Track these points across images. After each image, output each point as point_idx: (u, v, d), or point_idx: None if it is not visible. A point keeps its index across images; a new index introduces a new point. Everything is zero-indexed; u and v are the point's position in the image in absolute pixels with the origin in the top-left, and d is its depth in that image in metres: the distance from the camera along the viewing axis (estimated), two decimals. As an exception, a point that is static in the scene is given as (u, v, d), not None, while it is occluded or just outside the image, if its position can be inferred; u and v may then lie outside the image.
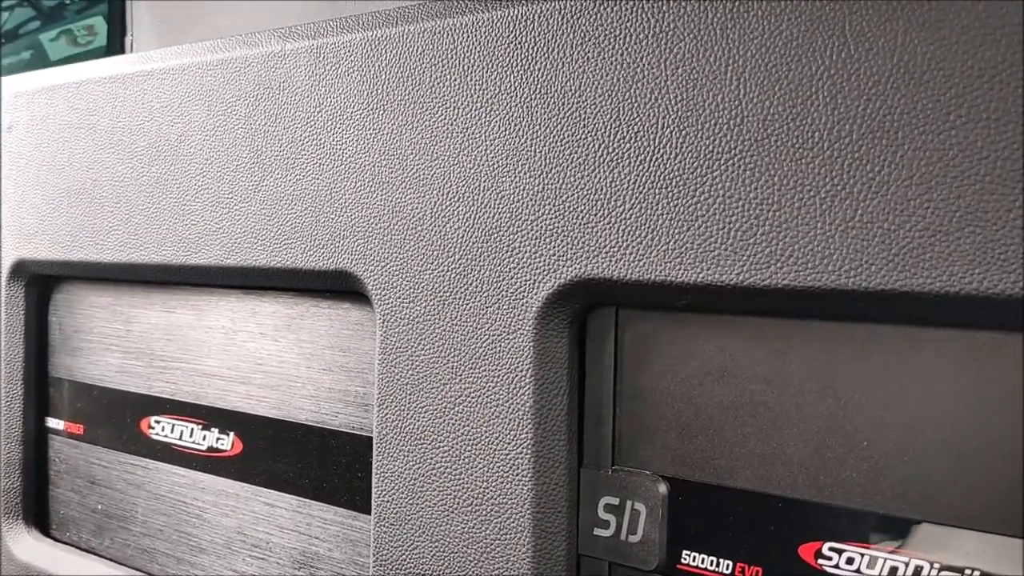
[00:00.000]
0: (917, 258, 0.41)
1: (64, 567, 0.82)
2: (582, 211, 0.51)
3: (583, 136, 0.51)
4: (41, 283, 0.85)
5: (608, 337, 0.53)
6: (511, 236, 0.53)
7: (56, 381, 0.86)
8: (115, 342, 0.80)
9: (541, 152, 0.52)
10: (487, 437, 0.54)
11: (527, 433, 0.52)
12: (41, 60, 1.73)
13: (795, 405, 0.47)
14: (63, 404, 0.85)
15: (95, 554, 0.82)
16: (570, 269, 0.51)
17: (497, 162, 0.54)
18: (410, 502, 0.57)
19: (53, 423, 0.86)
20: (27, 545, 0.85)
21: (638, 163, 0.49)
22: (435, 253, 0.56)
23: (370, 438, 0.62)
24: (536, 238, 0.52)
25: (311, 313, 0.66)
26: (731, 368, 0.49)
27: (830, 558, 0.45)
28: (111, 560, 0.81)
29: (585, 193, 0.51)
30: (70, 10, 1.69)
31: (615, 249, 0.49)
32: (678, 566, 0.50)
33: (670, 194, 0.48)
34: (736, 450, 0.48)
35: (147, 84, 0.73)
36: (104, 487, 0.82)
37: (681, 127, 0.47)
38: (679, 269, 0.47)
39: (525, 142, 0.53)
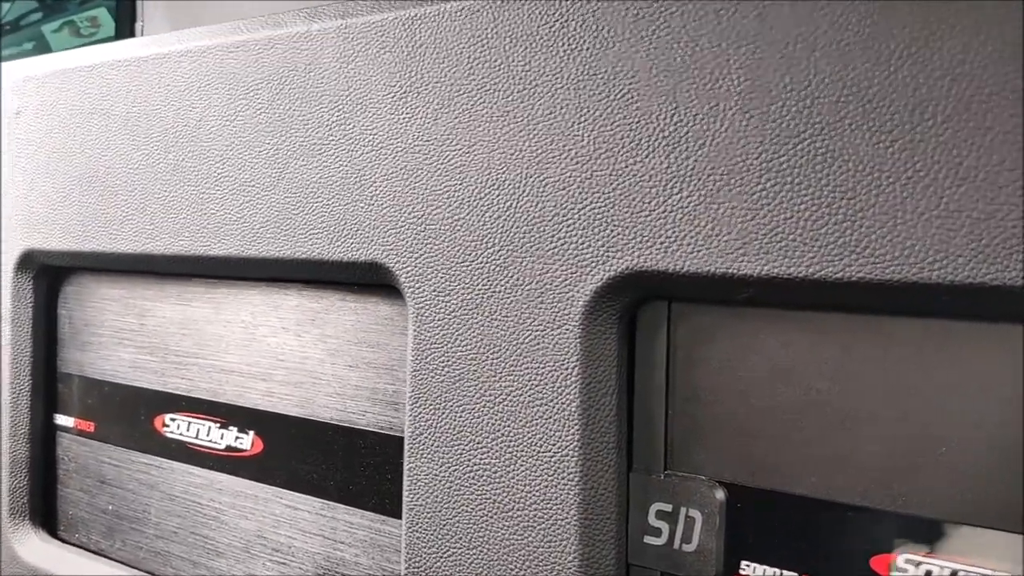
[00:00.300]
0: (1010, 249, 0.38)
1: (72, 570, 0.79)
2: (634, 198, 0.48)
3: (636, 118, 0.48)
4: (50, 275, 0.82)
5: (660, 333, 0.50)
6: (557, 225, 0.50)
7: (66, 377, 0.83)
8: (128, 336, 0.77)
9: (590, 135, 0.49)
10: (530, 438, 0.51)
11: (574, 434, 0.49)
12: (43, 52, 1.70)
13: (865, 406, 0.44)
14: (73, 400, 0.82)
15: (105, 557, 0.79)
16: (621, 260, 0.48)
17: (542, 146, 0.51)
18: (445, 506, 0.54)
19: (62, 420, 0.83)
20: (34, 547, 0.82)
21: (697, 147, 0.46)
22: (474, 243, 0.53)
23: (400, 438, 0.59)
24: (584, 227, 0.49)
25: (337, 307, 0.63)
26: (795, 366, 0.46)
27: (905, 571, 0.42)
28: (122, 563, 0.78)
29: (638, 179, 0.48)
30: (73, 1, 1.66)
31: (670, 239, 0.46)
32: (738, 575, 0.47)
33: (733, 180, 0.45)
34: (801, 454, 0.45)
35: (164, 67, 0.70)
36: (115, 487, 0.79)
37: (745, 109, 0.44)
38: (742, 261, 0.44)
39: (572, 125, 0.50)
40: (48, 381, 0.83)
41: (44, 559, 0.81)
